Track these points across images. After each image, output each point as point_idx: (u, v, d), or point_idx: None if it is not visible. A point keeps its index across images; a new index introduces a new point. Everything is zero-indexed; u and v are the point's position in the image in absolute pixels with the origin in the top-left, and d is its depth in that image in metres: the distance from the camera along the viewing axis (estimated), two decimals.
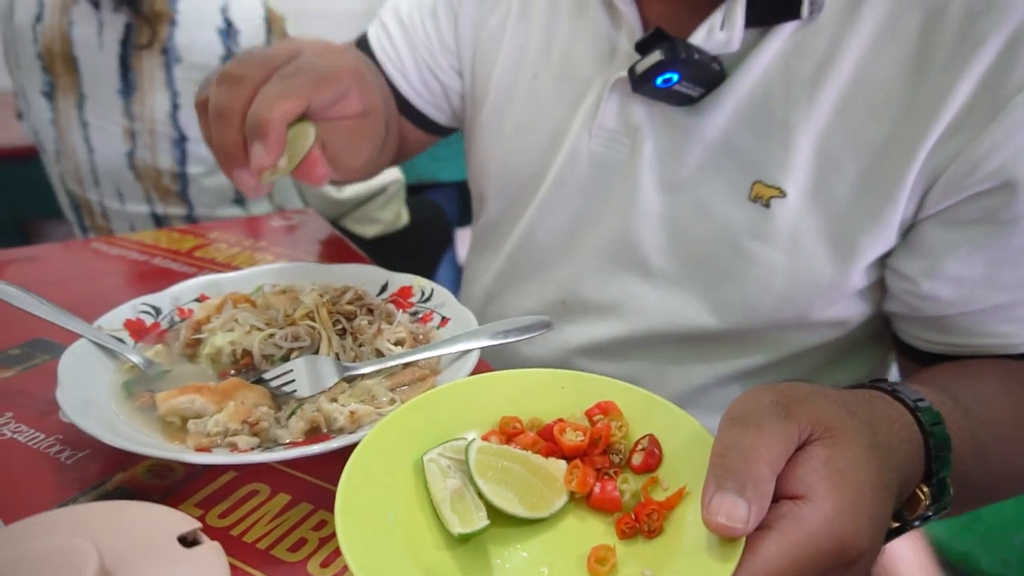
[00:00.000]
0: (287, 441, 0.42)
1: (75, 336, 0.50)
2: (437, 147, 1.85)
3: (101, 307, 0.54)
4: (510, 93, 0.67)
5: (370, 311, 0.52)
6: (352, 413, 0.43)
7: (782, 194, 0.53)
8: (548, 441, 0.40)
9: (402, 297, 0.57)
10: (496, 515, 0.36)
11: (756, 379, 0.62)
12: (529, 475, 0.38)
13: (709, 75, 0.53)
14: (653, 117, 0.57)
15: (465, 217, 2.22)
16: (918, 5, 0.48)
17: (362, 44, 0.77)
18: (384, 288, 0.58)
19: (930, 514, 0.39)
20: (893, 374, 0.68)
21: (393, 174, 1.53)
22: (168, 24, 1.07)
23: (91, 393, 0.45)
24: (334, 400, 0.45)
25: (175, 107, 1.10)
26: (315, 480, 0.43)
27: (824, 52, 0.51)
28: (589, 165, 0.61)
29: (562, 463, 0.39)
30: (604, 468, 0.39)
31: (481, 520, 0.35)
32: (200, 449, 0.41)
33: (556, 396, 0.43)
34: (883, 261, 0.55)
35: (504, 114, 0.68)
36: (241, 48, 1.09)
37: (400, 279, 0.59)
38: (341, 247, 0.79)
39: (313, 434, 0.43)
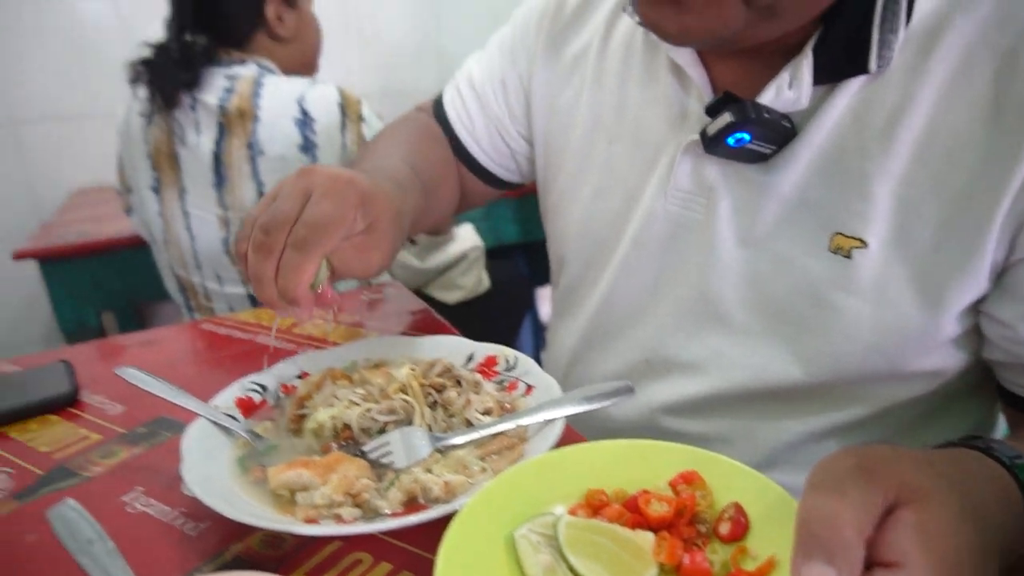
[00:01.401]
0: (387, 511, 0.45)
1: (194, 414, 0.55)
2: (512, 209, 1.91)
3: (213, 384, 0.59)
4: (586, 160, 0.71)
5: (458, 382, 0.55)
6: (446, 483, 0.45)
7: (863, 244, 0.53)
8: (634, 513, 0.41)
9: (487, 367, 0.60)
10: None
11: (852, 434, 0.61)
12: (618, 548, 0.39)
13: (780, 132, 0.54)
14: (727, 176, 0.59)
15: (542, 276, 2.26)
16: (989, 52, 0.49)
17: (437, 106, 0.84)
18: (470, 358, 0.61)
19: None
20: (1001, 426, 0.65)
21: (473, 241, 1.59)
22: (252, 121, 1.17)
23: (210, 468, 0.49)
24: (429, 470, 0.47)
25: (260, 195, 1.19)
26: (414, 549, 0.45)
27: (895, 103, 0.51)
28: (665, 225, 0.63)
29: (649, 535, 0.40)
30: (691, 538, 0.40)
31: None
32: (308, 521, 0.44)
33: (639, 466, 0.44)
34: (977, 307, 0.53)
35: (581, 180, 0.71)
36: (317, 135, 1.17)
37: (485, 349, 0.61)
38: (427, 317, 0.82)
39: (411, 504, 0.45)
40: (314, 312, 0.53)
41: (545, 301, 2.21)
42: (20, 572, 0.45)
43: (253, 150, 1.17)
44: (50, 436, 0.61)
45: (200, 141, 1.19)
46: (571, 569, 0.37)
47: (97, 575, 0.33)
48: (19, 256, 1.50)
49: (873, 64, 0.51)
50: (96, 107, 2.14)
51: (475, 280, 1.60)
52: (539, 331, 2.11)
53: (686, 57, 0.60)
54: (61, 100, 2.12)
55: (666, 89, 0.64)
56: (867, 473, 0.34)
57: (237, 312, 1.23)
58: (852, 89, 0.53)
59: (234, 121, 1.17)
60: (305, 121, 1.16)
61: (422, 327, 0.79)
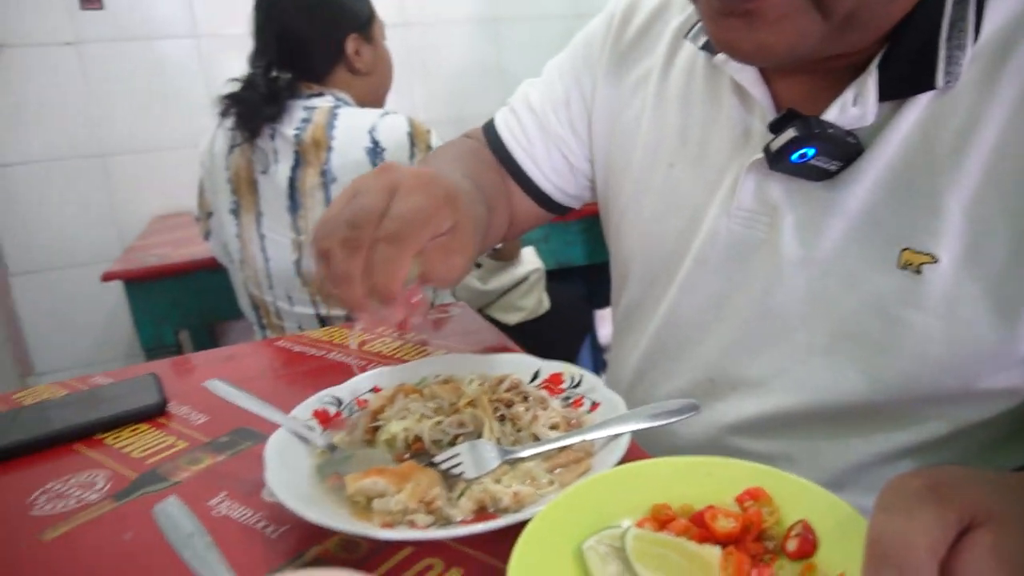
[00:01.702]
0: (458, 519, 0.46)
1: (273, 425, 0.58)
2: (571, 233, 1.93)
3: (288, 398, 0.62)
4: (648, 182, 0.72)
5: (525, 398, 0.56)
6: (516, 494, 0.46)
7: (934, 260, 0.53)
8: (700, 528, 0.42)
9: (553, 384, 0.61)
10: None
11: (921, 456, 0.60)
12: (685, 562, 0.39)
13: (845, 149, 0.55)
14: (791, 193, 0.59)
15: (601, 298, 2.27)
16: None
17: (489, 130, 0.85)
18: (536, 375, 0.63)
19: None
20: None
21: (534, 263, 1.62)
22: (326, 150, 1.22)
23: (291, 475, 0.51)
24: (498, 481, 0.49)
25: None
26: (482, 556, 0.47)
27: (965, 120, 0.51)
28: (728, 244, 0.64)
29: (716, 549, 0.40)
30: (759, 555, 0.40)
31: None
32: (384, 526, 0.46)
33: (704, 483, 0.44)
34: None
35: (643, 202, 0.72)
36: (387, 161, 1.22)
37: (551, 367, 0.63)
38: (492, 336, 0.84)
39: (480, 512, 0.47)
40: (402, 315, 0.50)
41: (604, 323, 2.21)
42: (120, 566, 0.49)
43: (326, 177, 1.22)
44: (142, 443, 0.65)
45: (278, 169, 1.25)
46: None
47: (197, 565, 0.35)
48: (107, 278, 1.59)
49: (940, 80, 0.51)
50: (175, 140, 2.27)
51: (535, 302, 1.63)
52: (598, 353, 2.11)
53: (749, 77, 0.61)
54: (143, 134, 2.25)
55: (729, 110, 0.64)
56: (939, 494, 0.34)
57: (306, 331, 1.29)
58: (920, 105, 0.53)
59: (309, 150, 1.23)
60: (375, 150, 1.21)
61: (487, 346, 0.81)
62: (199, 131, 2.23)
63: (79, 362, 2.26)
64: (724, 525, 0.41)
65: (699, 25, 0.66)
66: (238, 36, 2.28)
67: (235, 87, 1.27)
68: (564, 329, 1.80)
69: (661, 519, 0.42)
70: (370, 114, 1.26)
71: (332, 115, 1.24)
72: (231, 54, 2.28)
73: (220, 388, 0.59)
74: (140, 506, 0.55)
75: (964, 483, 0.35)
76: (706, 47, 0.65)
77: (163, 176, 2.27)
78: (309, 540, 0.50)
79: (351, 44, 1.31)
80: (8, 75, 2.07)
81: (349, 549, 0.49)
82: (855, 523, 0.38)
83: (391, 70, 1.45)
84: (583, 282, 2.11)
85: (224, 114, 1.27)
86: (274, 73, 1.27)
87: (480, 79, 2.62)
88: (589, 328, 2.01)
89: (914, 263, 0.54)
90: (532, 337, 1.57)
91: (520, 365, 0.64)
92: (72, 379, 0.80)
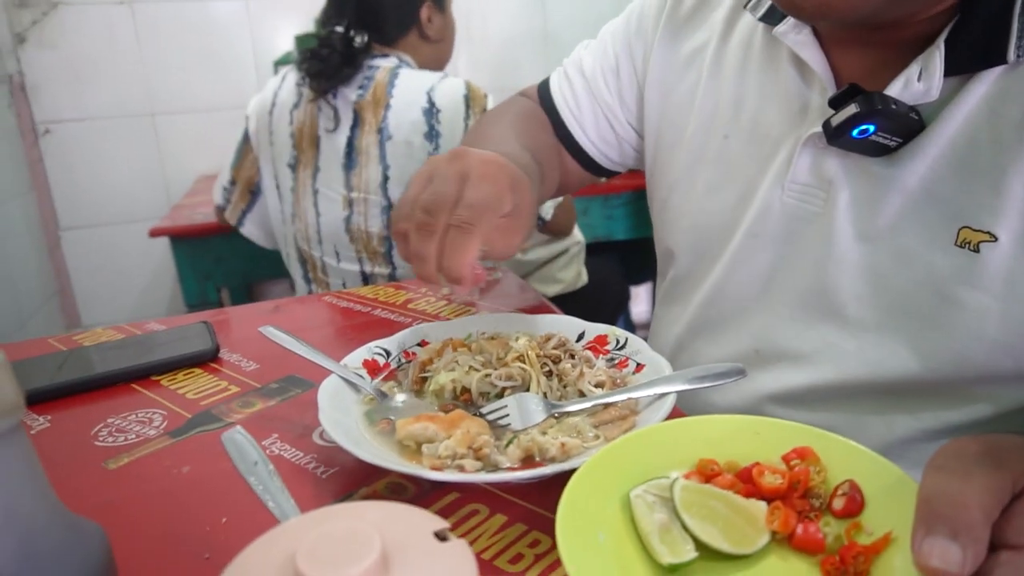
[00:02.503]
0: (506, 466, 0.48)
1: (322, 372, 0.59)
2: (612, 207, 1.92)
3: (335, 349, 0.64)
4: (701, 154, 0.71)
5: (572, 355, 0.57)
6: (563, 445, 0.47)
7: (993, 239, 0.52)
8: (746, 483, 0.42)
9: (599, 344, 0.62)
10: (700, 549, 0.38)
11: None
12: (731, 513, 0.40)
13: (907, 125, 0.54)
14: (848, 169, 0.58)
15: (636, 275, 2.26)
16: None
17: (543, 89, 0.87)
18: (581, 336, 0.63)
19: None
20: None
21: (575, 236, 1.62)
22: (384, 108, 1.24)
23: (342, 419, 0.53)
24: (544, 434, 0.50)
25: (386, 179, 1.25)
26: (527, 504, 0.48)
27: None
28: (782, 218, 0.63)
29: (762, 504, 0.40)
30: (804, 511, 0.40)
31: (689, 552, 0.38)
32: (434, 468, 0.47)
33: (752, 442, 0.45)
34: None
35: (695, 174, 0.72)
36: (442, 125, 1.23)
37: (596, 328, 0.64)
38: (536, 299, 0.85)
39: (527, 462, 0.48)
40: (467, 290, 0.55)
41: (638, 300, 2.20)
42: (181, 495, 0.51)
43: (382, 135, 1.25)
44: (196, 385, 0.68)
45: (338, 129, 1.28)
46: (686, 529, 0.39)
47: (261, 491, 0.37)
48: (154, 233, 1.63)
49: (1012, 54, 0.49)
50: (222, 100, 2.31)
51: (574, 275, 1.63)
52: (631, 330, 2.12)
53: (809, 49, 0.60)
54: (192, 94, 2.29)
55: (787, 83, 0.64)
56: (995, 458, 0.33)
57: (349, 287, 1.33)
58: (988, 80, 0.51)
59: (367, 108, 1.26)
60: (431, 111, 1.23)
61: (530, 309, 0.82)
62: (246, 92, 2.25)
63: (124, 317, 2.33)
64: (771, 481, 0.41)
65: None
66: None
67: (311, 43, 1.30)
68: (601, 303, 1.80)
69: (707, 473, 0.43)
70: (430, 76, 1.28)
71: (393, 75, 1.27)
72: (280, 16, 2.31)
73: (274, 334, 0.61)
74: (196, 443, 0.58)
75: (1020, 449, 0.35)
76: (765, 18, 0.64)
77: (210, 136, 2.31)
78: (358, 481, 0.51)
79: (425, 11, 1.34)
80: (62, 33, 2.11)
81: (397, 491, 0.50)
82: (905, 485, 0.38)
83: (454, 39, 1.48)
84: (619, 258, 2.10)
85: (300, 67, 1.30)
86: (352, 33, 1.30)
87: (526, 48, 2.60)
88: (625, 304, 2.01)
89: (972, 241, 0.53)
90: (569, 310, 1.58)
91: (565, 326, 0.64)
92: (128, 323, 0.83)
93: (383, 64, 1.28)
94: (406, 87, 1.25)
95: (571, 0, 2.59)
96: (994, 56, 0.50)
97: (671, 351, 0.77)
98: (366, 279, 1.35)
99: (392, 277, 1.34)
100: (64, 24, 2.11)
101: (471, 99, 1.24)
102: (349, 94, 1.27)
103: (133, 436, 0.59)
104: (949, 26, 0.52)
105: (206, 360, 0.72)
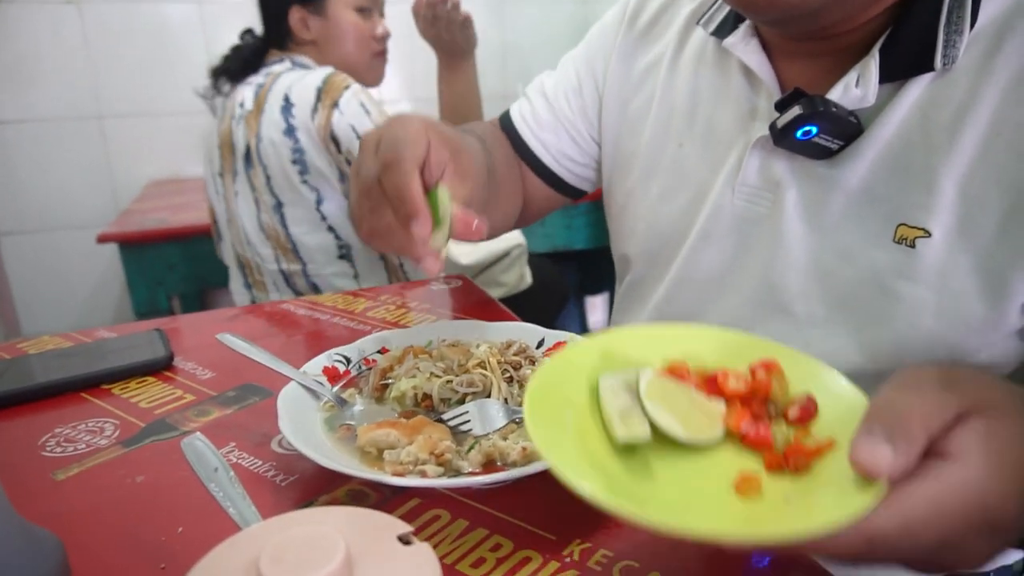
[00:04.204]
0: (467, 471, 0.48)
1: (279, 380, 0.59)
2: (573, 217, 1.95)
3: (294, 357, 0.63)
4: (655, 163, 0.74)
5: (532, 362, 0.58)
6: (524, 449, 0.48)
7: (927, 234, 0.55)
8: (711, 387, 0.44)
9: (557, 351, 0.63)
10: (657, 436, 0.40)
11: None
12: (691, 407, 0.42)
13: (847, 128, 0.57)
14: (794, 171, 0.62)
15: (593, 285, 2.28)
16: None
17: (503, 116, 0.89)
18: (541, 343, 0.64)
19: None
20: None
21: (516, 239, 1.64)
22: (260, 113, 1.30)
23: (302, 426, 0.53)
24: (504, 439, 0.51)
25: (268, 177, 1.30)
26: (488, 509, 0.49)
27: (962, 101, 0.54)
28: (732, 219, 0.66)
29: (722, 403, 0.42)
30: (760, 415, 0.42)
31: (644, 432, 0.39)
32: (396, 474, 0.47)
33: (723, 351, 0.46)
34: None
35: (651, 181, 0.74)
36: (295, 119, 1.27)
37: (556, 335, 0.64)
38: (492, 307, 0.86)
39: (489, 466, 0.48)
40: (437, 239, 0.51)
41: (595, 310, 2.23)
42: (133, 506, 0.50)
43: (258, 138, 1.29)
44: (149, 394, 0.66)
45: (238, 131, 1.33)
46: (645, 414, 0.40)
47: (221, 498, 0.37)
48: (103, 239, 1.59)
49: (938, 62, 0.53)
50: (173, 105, 2.26)
51: (517, 277, 1.65)
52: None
53: (757, 59, 0.64)
54: (142, 97, 2.24)
55: (737, 91, 0.67)
56: (946, 381, 0.35)
57: (280, 287, 1.35)
58: (919, 86, 0.56)
59: (251, 116, 1.30)
60: (287, 107, 1.27)
61: (487, 315, 0.82)
62: (197, 97, 2.21)
63: (67, 326, 2.25)
64: (734, 385, 0.43)
65: (710, 12, 0.69)
66: (241, 3, 2.26)
67: (228, 52, 1.39)
68: (543, 306, 1.82)
69: (677, 373, 0.44)
70: (300, 74, 1.31)
71: (276, 78, 1.31)
72: (233, 19, 2.27)
73: (233, 341, 0.60)
74: (150, 452, 0.57)
75: (974, 376, 0.37)
76: (716, 32, 0.68)
77: (161, 141, 2.26)
78: (319, 489, 0.51)
79: (294, 14, 1.37)
80: (6, 30, 2.05)
81: (358, 498, 0.50)
82: (859, 401, 0.40)
83: (356, 44, 1.44)
84: (577, 267, 2.12)
85: (215, 75, 1.40)
86: (249, 39, 1.41)
87: (484, 57, 2.60)
88: (565, 305, 2.02)
89: (908, 237, 0.56)
90: (515, 312, 1.60)
91: (525, 333, 0.65)
92: (75, 331, 0.81)
93: (275, 69, 1.34)
94: (276, 90, 1.29)
95: (529, 10, 2.61)
96: (923, 64, 0.54)
97: None
98: (286, 278, 1.38)
99: (306, 274, 1.36)
100: (7, 22, 2.05)
101: (324, 90, 1.26)
102: (247, 102, 1.32)
103: (83, 446, 0.58)
104: (883, 36, 0.56)
105: (159, 368, 0.71)
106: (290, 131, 1.26)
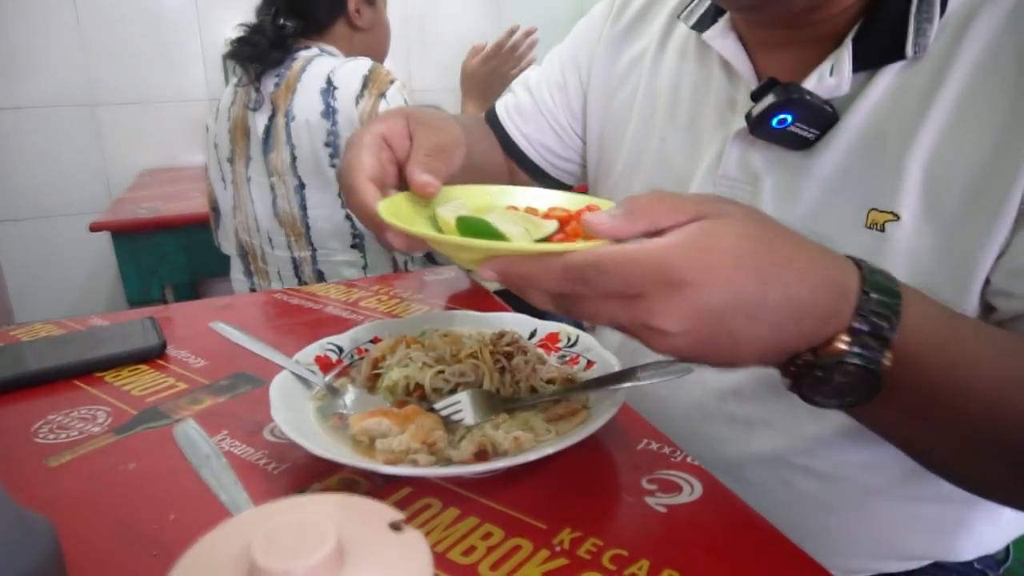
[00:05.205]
0: (459, 460, 0.48)
1: (272, 369, 0.59)
2: None
3: (286, 346, 0.63)
4: (639, 157, 0.75)
5: (524, 352, 0.58)
6: (516, 439, 0.48)
7: (896, 217, 0.56)
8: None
9: (550, 342, 0.63)
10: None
11: None
12: (528, 220, 0.47)
13: (822, 116, 0.58)
14: (771, 162, 0.63)
15: None
16: (1012, 32, 0.53)
17: (489, 112, 0.91)
18: (533, 334, 0.65)
19: (851, 363, 0.40)
20: None
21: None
22: (292, 93, 1.28)
23: (294, 415, 0.53)
24: (496, 429, 0.51)
25: (294, 158, 1.29)
26: (479, 498, 0.49)
27: (929, 86, 0.55)
28: None
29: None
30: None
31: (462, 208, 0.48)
32: (388, 463, 0.47)
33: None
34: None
35: (633, 175, 0.75)
36: (337, 102, 1.27)
37: (547, 326, 0.65)
38: (486, 298, 0.86)
39: (481, 456, 0.49)
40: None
41: None
42: (126, 492, 0.50)
43: (288, 117, 1.27)
44: (141, 382, 0.66)
45: (258, 116, 1.31)
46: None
47: (213, 484, 0.37)
48: (95, 228, 1.58)
49: (909, 51, 0.55)
50: (167, 93, 2.25)
51: None
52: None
53: (735, 53, 0.65)
54: (136, 86, 2.23)
55: (716, 85, 0.68)
56: (704, 200, 0.39)
57: (284, 275, 1.34)
58: (890, 74, 0.57)
59: (280, 97, 1.29)
60: (329, 89, 1.26)
61: (480, 306, 0.83)
62: (193, 85, 2.20)
63: (60, 314, 2.25)
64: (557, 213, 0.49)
65: (691, 7, 0.71)
66: None
67: (243, 33, 1.32)
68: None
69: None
70: (339, 60, 1.31)
71: (307, 62, 1.30)
72: (228, 9, 2.26)
73: (225, 330, 0.60)
74: (142, 440, 0.57)
75: (740, 207, 0.40)
76: (696, 26, 0.69)
77: (154, 129, 2.25)
78: (311, 477, 0.51)
79: (352, 3, 1.36)
80: (2, 19, 2.03)
81: (350, 487, 0.50)
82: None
83: (388, 37, 1.50)
84: None
85: (230, 57, 1.34)
86: (281, 21, 1.34)
87: None
88: None
89: (879, 222, 0.57)
90: (511, 304, 1.61)
91: (517, 323, 0.65)
92: (68, 319, 0.81)
93: (303, 55, 1.32)
94: (314, 72, 1.28)
95: (525, 5, 2.61)
96: (895, 52, 0.56)
97: (617, 347, 0.79)
98: (295, 265, 1.37)
99: (315, 261, 1.35)
100: (1, 10, 2.03)
101: (370, 79, 1.26)
102: (269, 84, 1.30)
103: (76, 433, 0.58)
104: (856, 26, 0.57)
105: (152, 357, 0.71)
106: (329, 113, 1.25)
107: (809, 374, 0.41)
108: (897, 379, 0.41)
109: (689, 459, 0.52)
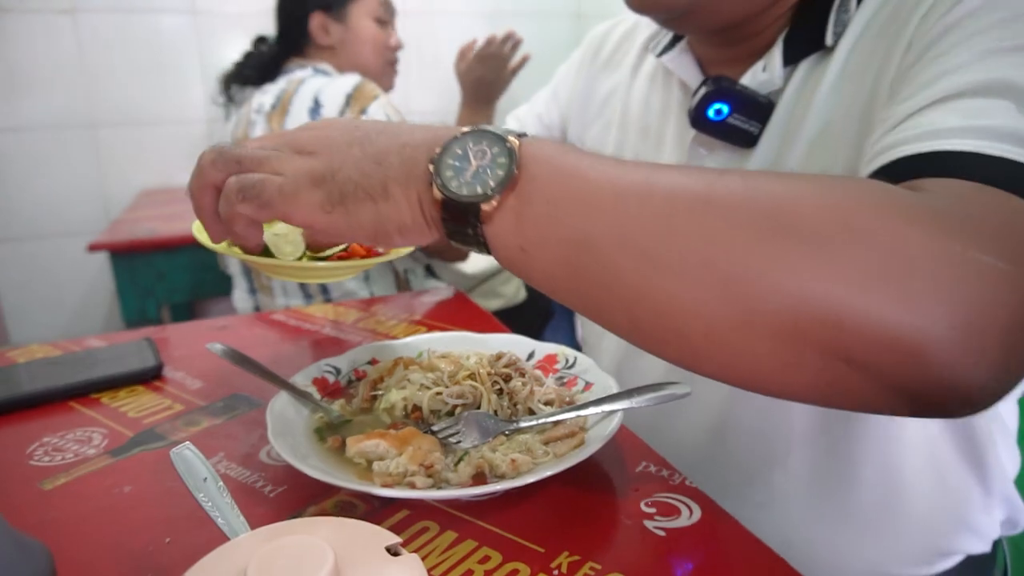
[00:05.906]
0: (457, 483, 0.48)
1: (269, 391, 0.59)
2: None
3: (283, 368, 0.63)
4: None
5: (522, 374, 0.58)
6: (513, 461, 0.48)
7: None
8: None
9: (548, 364, 0.63)
10: None
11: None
12: None
13: (760, 108, 0.63)
14: (728, 162, 0.68)
15: None
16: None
17: None
18: (531, 356, 0.65)
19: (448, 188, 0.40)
20: None
21: None
22: (285, 115, 1.31)
23: (291, 437, 0.53)
24: (494, 451, 0.51)
25: None
26: (477, 521, 0.49)
27: (836, 75, 0.60)
28: None
29: None
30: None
31: None
32: (385, 486, 0.47)
33: None
34: None
35: None
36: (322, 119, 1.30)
37: (545, 348, 0.65)
38: (484, 318, 0.86)
39: (478, 478, 0.49)
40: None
41: (585, 324, 2.23)
42: (121, 516, 0.50)
43: None
44: (138, 404, 0.66)
45: (255, 133, 1.35)
46: None
47: (209, 508, 0.37)
48: (93, 248, 1.58)
49: (829, 39, 0.60)
50: (167, 115, 2.26)
51: (514, 289, 1.67)
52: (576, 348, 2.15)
53: (687, 70, 0.71)
54: (135, 107, 2.24)
55: (677, 103, 0.74)
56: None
57: (288, 290, 1.35)
58: (811, 62, 0.62)
59: (274, 118, 1.32)
60: (315, 108, 1.29)
61: (479, 327, 0.83)
62: (192, 106, 2.21)
63: (56, 334, 2.24)
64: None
65: (658, 38, 0.76)
66: (236, 15, 2.28)
67: (240, 58, 1.42)
68: (530, 320, 1.84)
69: None
70: (328, 78, 1.34)
71: (301, 83, 1.33)
72: (228, 32, 2.29)
73: (222, 351, 0.60)
74: (138, 462, 0.56)
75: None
76: (660, 54, 0.75)
77: (153, 151, 2.25)
78: (307, 500, 0.51)
79: (315, 20, 1.40)
80: (1, 40, 2.04)
81: (347, 509, 0.50)
82: None
83: (375, 48, 1.51)
84: None
85: (228, 80, 1.43)
86: (263, 46, 1.43)
87: None
88: (549, 319, 2.04)
89: None
90: (509, 325, 1.61)
91: (515, 345, 0.65)
92: (64, 340, 0.81)
93: (297, 75, 1.36)
94: (303, 94, 1.31)
95: (524, 27, 2.63)
96: (817, 42, 0.61)
97: (615, 368, 0.80)
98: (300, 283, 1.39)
99: (327, 293, 1.36)
100: (2, 31, 2.05)
101: (353, 96, 1.29)
102: (265, 103, 1.33)
103: (71, 455, 0.57)
104: (786, 30, 0.63)
105: (149, 378, 0.70)
106: None
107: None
108: (525, 171, 0.39)
109: (688, 482, 0.52)
